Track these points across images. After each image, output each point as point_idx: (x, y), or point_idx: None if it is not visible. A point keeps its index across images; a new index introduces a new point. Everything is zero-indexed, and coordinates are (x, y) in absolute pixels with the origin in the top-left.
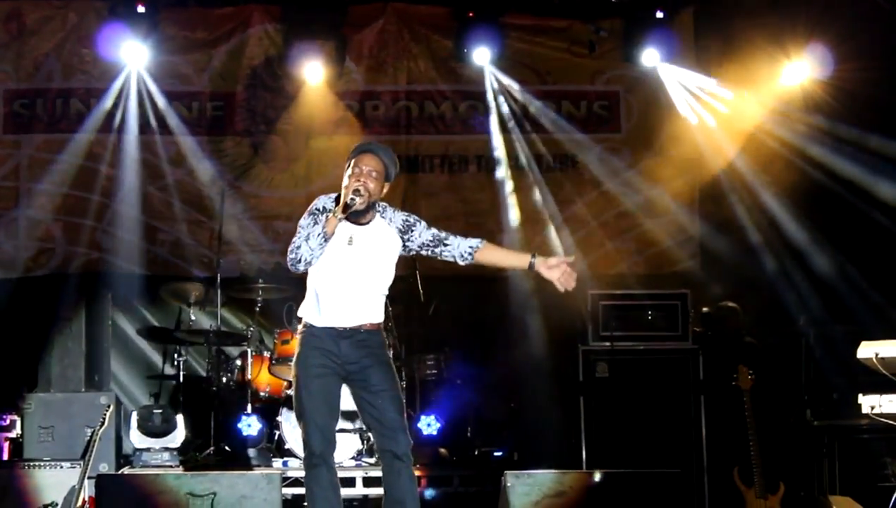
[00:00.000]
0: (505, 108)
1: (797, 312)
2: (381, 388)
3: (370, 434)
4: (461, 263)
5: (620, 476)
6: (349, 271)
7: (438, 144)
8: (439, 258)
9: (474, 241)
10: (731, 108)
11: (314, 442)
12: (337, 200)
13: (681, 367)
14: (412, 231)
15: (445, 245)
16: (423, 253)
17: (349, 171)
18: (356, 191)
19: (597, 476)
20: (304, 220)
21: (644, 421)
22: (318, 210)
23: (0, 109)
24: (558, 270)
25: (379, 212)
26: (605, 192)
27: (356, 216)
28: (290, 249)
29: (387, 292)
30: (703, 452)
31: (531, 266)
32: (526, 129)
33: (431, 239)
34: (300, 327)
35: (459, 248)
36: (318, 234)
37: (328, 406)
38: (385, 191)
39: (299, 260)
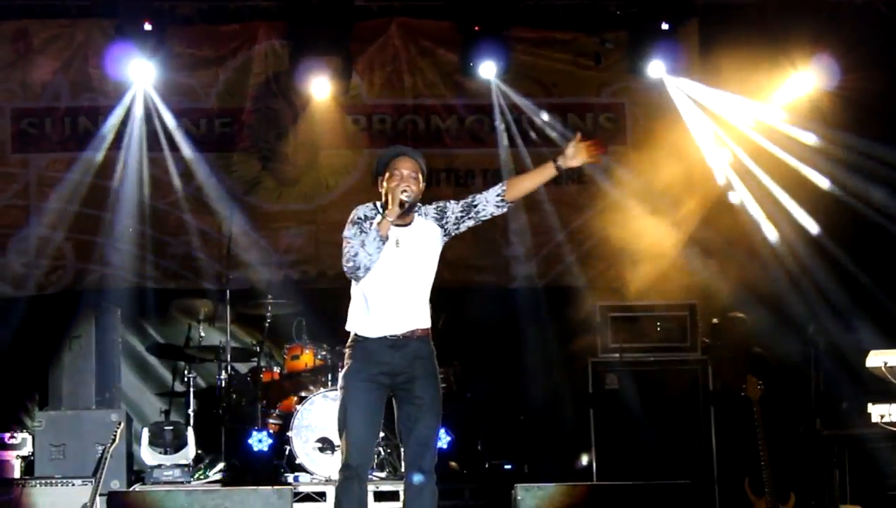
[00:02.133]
0: (511, 122)
1: (806, 322)
2: (423, 402)
3: (380, 450)
4: (502, 211)
5: (631, 487)
6: (400, 273)
7: (445, 158)
8: (482, 221)
9: (498, 187)
10: (737, 119)
11: (351, 456)
12: (377, 207)
13: (690, 378)
14: (445, 213)
15: (475, 206)
16: (463, 227)
17: (388, 175)
18: (404, 192)
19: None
20: (349, 231)
21: (654, 432)
22: (361, 218)
23: (8, 128)
24: (581, 154)
25: (416, 211)
26: (611, 204)
27: (400, 218)
28: (345, 259)
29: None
30: (714, 463)
31: (558, 169)
32: (532, 142)
33: (462, 209)
34: (349, 340)
35: (489, 203)
36: (375, 238)
37: (371, 421)
38: (423, 188)
39: (359, 268)
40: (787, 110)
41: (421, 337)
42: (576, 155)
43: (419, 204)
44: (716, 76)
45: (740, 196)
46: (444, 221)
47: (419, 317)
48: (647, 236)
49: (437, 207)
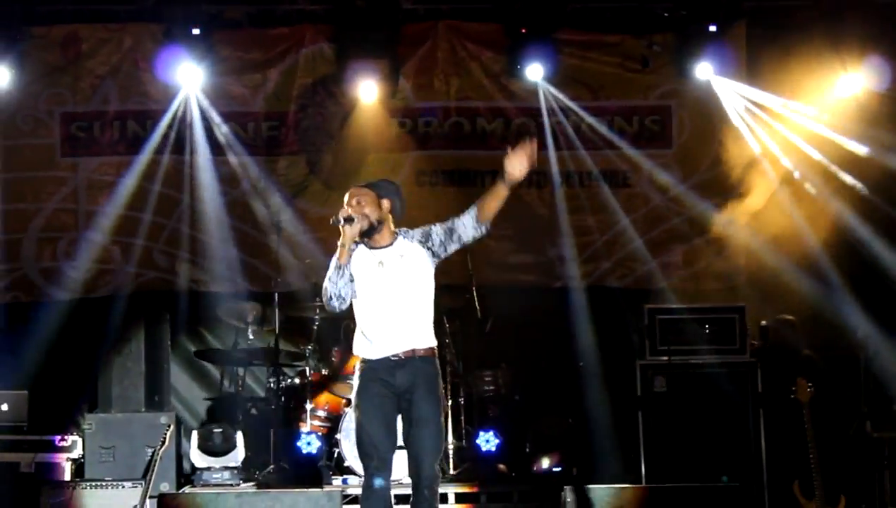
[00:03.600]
0: (558, 124)
1: (855, 325)
2: (425, 420)
3: None
4: (481, 233)
5: (680, 489)
6: (388, 293)
7: (491, 160)
8: (466, 244)
9: (472, 210)
10: (786, 121)
11: (369, 466)
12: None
13: (739, 381)
14: (430, 236)
15: (455, 231)
16: (450, 250)
17: None
18: (347, 217)
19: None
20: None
21: (703, 435)
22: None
23: (58, 132)
24: (514, 165)
25: (400, 234)
26: (655, 208)
27: (372, 239)
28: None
29: (432, 313)
30: (763, 465)
31: (508, 186)
32: (578, 145)
33: (444, 232)
34: (357, 364)
35: (468, 226)
36: (333, 266)
37: (385, 430)
38: (387, 206)
39: (330, 298)
40: (836, 112)
41: (423, 357)
42: (512, 168)
43: (405, 229)
44: (763, 78)
45: (788, 198)
46: (429, 243)
47: (418, 337)
48: (694, 238)
49: (423, 231)
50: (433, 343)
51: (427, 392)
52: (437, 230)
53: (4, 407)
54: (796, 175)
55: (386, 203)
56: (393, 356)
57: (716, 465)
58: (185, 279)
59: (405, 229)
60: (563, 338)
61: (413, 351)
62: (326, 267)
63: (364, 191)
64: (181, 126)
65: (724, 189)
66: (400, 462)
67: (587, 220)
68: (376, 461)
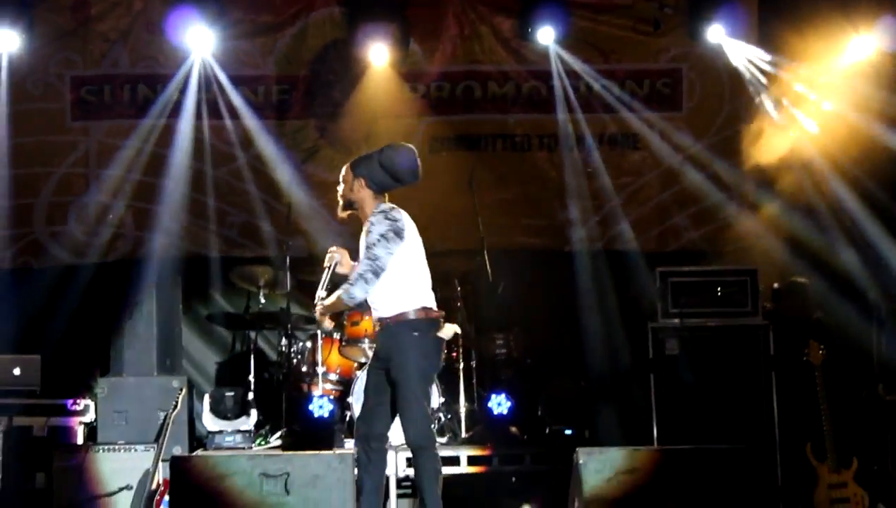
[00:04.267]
0: (569, 88)
1: (867, 286)
2: (394, 385)
3: (440, 415)
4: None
5: (693, 452)
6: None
7: (502, 124)
8: None
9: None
10: (797, 84)
11: (358, 427)
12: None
13: (751, 343)
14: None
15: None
16: None
17: None
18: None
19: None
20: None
21: (715, 397)
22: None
23: (67, 96)
24: None
25: (374, 212)
26: (666, 170)
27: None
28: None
29: (395, 281)
30: (775, 428)
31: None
32: (590, 108)
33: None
34: None
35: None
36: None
37: (370, 393)
38: (358, 185)
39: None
40: (848, 74)
41: (394, 324)
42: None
43: (375, 218)
44: (775, 40)
45: (801, 160)
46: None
47: (382, 306)
48: (704, 200)
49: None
50: (403, 308)
51: (397, 357)
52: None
53: (17, 371)
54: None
55: (357, 183)
56: (375, 325)
57: (728, 427)
58: (196, 244)
59: (384, 207)
60: (574, 302)
61: (380, 320)
62: (333, 233)
63: (344, 174)
64: (192, 90)
65: (734, 151)
66: None
67: (597, 183)
68: (361, 428)
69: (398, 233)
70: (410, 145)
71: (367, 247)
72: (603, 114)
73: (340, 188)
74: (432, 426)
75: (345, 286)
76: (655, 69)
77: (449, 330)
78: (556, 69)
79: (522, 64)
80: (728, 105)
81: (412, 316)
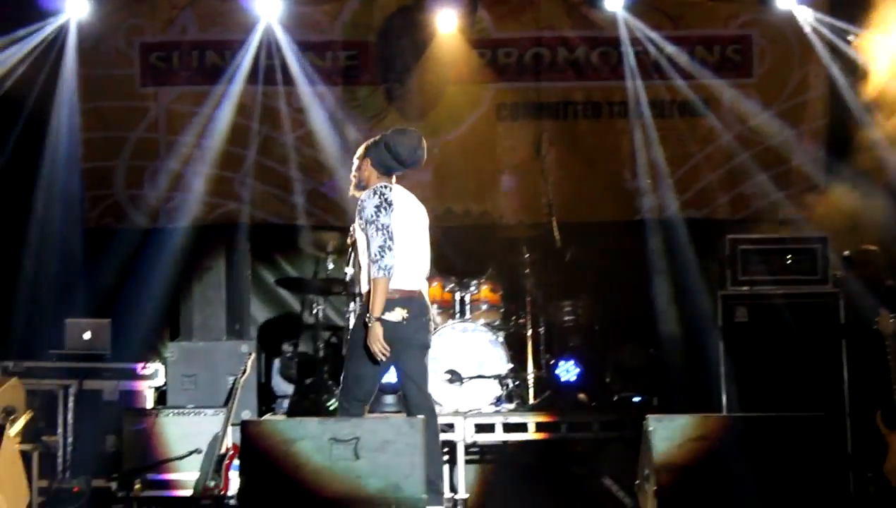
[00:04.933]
0: (638, 54)
1: None
2: None
3: (508, 381)
4: None
5: (763, 419)
6: None
7: (571, 91)
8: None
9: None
10: (867, 52)
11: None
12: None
13: (821, 311)
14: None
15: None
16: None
17: None
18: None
19: None
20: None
21: (784, 365)
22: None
23: (137, 62)
24: None
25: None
26: (736, 137)
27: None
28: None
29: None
30: (845, 396)
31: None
32: (658, 75)
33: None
34: None
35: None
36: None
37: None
38: (368, 164)
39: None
40: None
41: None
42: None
43: (366, 194)
44: (845, 7)
45: (872, 129)
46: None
47: (362, 283)
48: (775, 167)
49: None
50: (366, 288)
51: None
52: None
53: (88, 335)
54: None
55: (365, 163)
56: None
57: (797, 396)
58: (265, 210)
59: (367, 194)
60: (643, 269)
61: (360, 295)
62: None
63: (358, 153)
64: (260, 56)
65: (803, 118)
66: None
67: (667, 151)
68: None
69: (389, 204)
70: (416, 130)
71: (370, 223)
72: (673, 80)
73: (354, 165)
74: (349, 399)
75: (373, 267)
76: (725, 35)
77: (396, 315)
78: (625, 35)
79: (591, 30)
80: (797, 72)
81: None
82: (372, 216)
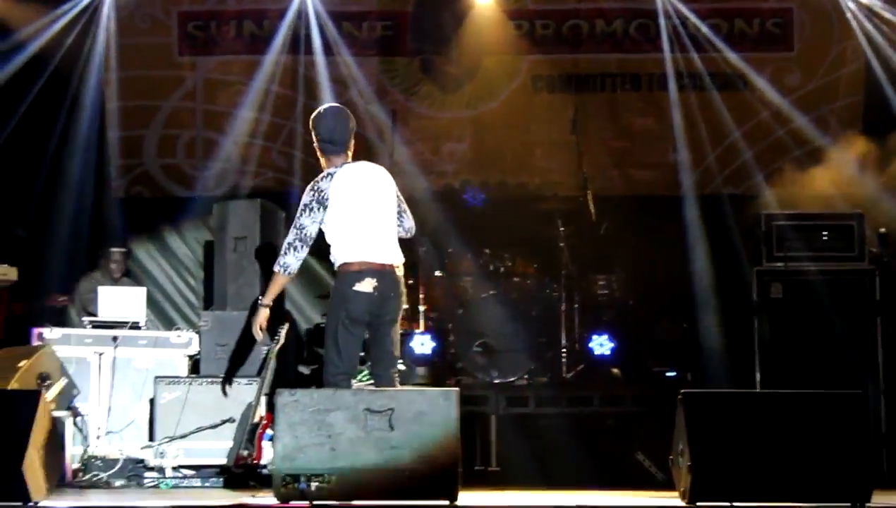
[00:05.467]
0: (678, 26)
1: None
2: None
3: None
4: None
5: (798, 396)
6: None
7: (608, 63)
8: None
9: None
10: None
11: None
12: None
13: (857, 288)
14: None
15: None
16: None
17: None
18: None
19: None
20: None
21: (819, 342)
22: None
23: (175, 31)
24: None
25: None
26: (775, 112)
27: None
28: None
29: (332, 242)
30: (880, 374)
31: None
32: (697, 48)
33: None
34: None
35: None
36: None
37: None
38: (316, 144)
39: None
40: None
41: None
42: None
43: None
44: None
45: None
46: None
47: (333, 260)
48: (812, 144)
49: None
50: (337, 261)
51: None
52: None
53: (123, 302)
54: None
55: (316, 140)
56: None
57: (832, 372)
58: (300, 179)
59: (321, 176)
60: (679, 244)
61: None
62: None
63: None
64: (297, 25)
65: (839, 94)
66: None
67: (706, 125)
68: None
69: (321, 203)
70: (333, 106)
71: (296, 216)
72: (712, 53)
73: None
74: (332, 371)
75: (278, 259)
76: (765, 8)
77: (367, 285)
78: (664, 7)
79: (629, 2)
80: (836, 46)
81: (339, 269)
82: (300, 212)
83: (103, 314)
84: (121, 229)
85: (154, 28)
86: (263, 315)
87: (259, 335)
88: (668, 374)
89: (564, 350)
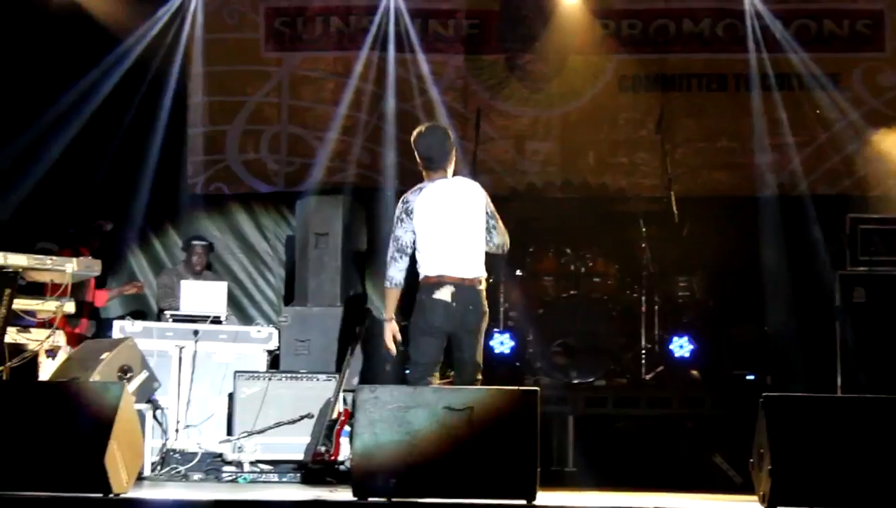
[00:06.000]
0: (765, 27)
1: None
2: None
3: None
4: None
5: (883, 402)
6: None
7: (696, 63)
8: None
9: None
10: None
11: None
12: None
13: None
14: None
15: None
16: None
17: None
18: None
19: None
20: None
21: None
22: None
23: (262, 27)
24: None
25: None
26: (867, 113)
27: None
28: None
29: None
30: None
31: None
32: (786, 48)
33: None
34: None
35: None
36: None
37: None
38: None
39: None
40: None
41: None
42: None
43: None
44: None
45: None
46: None
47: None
48: None
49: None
50: (420, 274)
51: None
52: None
53: (204, 297)
54: None
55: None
56: None
57: None
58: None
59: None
60: (760, 247)
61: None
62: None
63: None
64: (384, 23)
65: None
66: None
67: (794, 127)
68: None
69: (408, 214)
70: (436, 125)
71: (392, 230)
72: (799, 53)
73: None
74: (416, 376)
75: (385, 274)
76: (855, 9)
77: (445, 293)
78: (751, 7)
79: (717, 2)
80: None
81: (421, 281)
82: (394, 225)
83: (185, 308)
84: (201, 224)
85: (241, 24)
86: (389, 329)
87: (392, 349)
88: (748, 377)
89: (644, 351)
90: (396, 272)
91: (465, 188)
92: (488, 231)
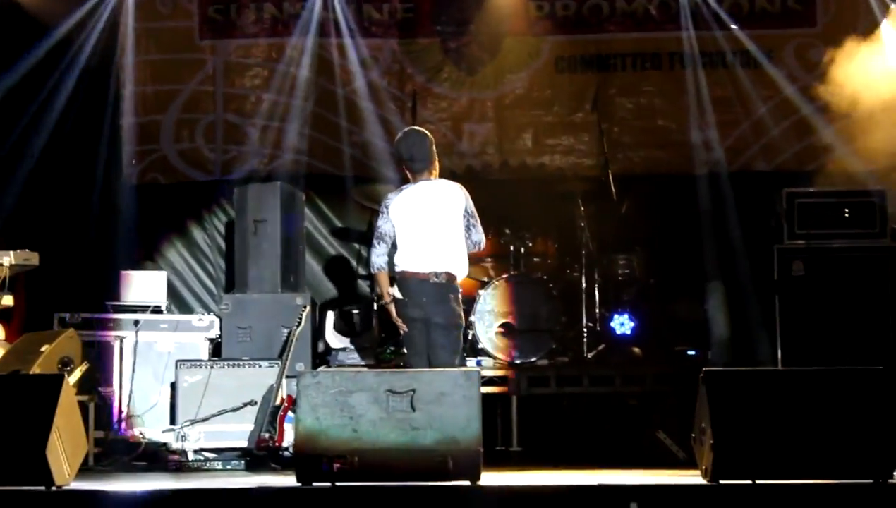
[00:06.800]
0: (698, 4)
1: None
2: None
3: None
4: None
5: (820, 373)
6: None
7: (630, 42)
8: None
9: None
10: None
11: None
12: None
13: (878, 265)
14: None
15: None
16: None
17: None
18: None
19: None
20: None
21: (840, 319)
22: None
23: (196, 15)
24: None
25: None
26: (799, 89)
27: None
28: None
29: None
30: None
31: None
32: (719, 25)
33: None
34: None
35: None
36: None
37: None
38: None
39: None
40: None
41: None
42: None
43: None
44: None
45: None
46: None
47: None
48: (839, 120)
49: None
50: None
51: None
52: None
53: (143, 287)
54: None
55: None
56: None
57: (853, 350)
58: (321, 162)
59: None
60: (699, 223)
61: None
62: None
63: None
64: (316, 8)
65: (867, 69)
66: None
67: (728, 103)
68: None
69: (386, 208)
70: (415, 129)
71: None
72: (732, 31)
73: None
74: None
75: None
76: None
77: (407, 291)
78: None
79: None
80: (863, 22)
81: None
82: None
83: (125, 298)
84: (135, 215)
85: (175, 12)
86: (391, 311)
87: (403, 326)
88: (689, 353)
89: (585, 330)
90: (375, 257)
91: (443, 189)
92: (467, 229)
